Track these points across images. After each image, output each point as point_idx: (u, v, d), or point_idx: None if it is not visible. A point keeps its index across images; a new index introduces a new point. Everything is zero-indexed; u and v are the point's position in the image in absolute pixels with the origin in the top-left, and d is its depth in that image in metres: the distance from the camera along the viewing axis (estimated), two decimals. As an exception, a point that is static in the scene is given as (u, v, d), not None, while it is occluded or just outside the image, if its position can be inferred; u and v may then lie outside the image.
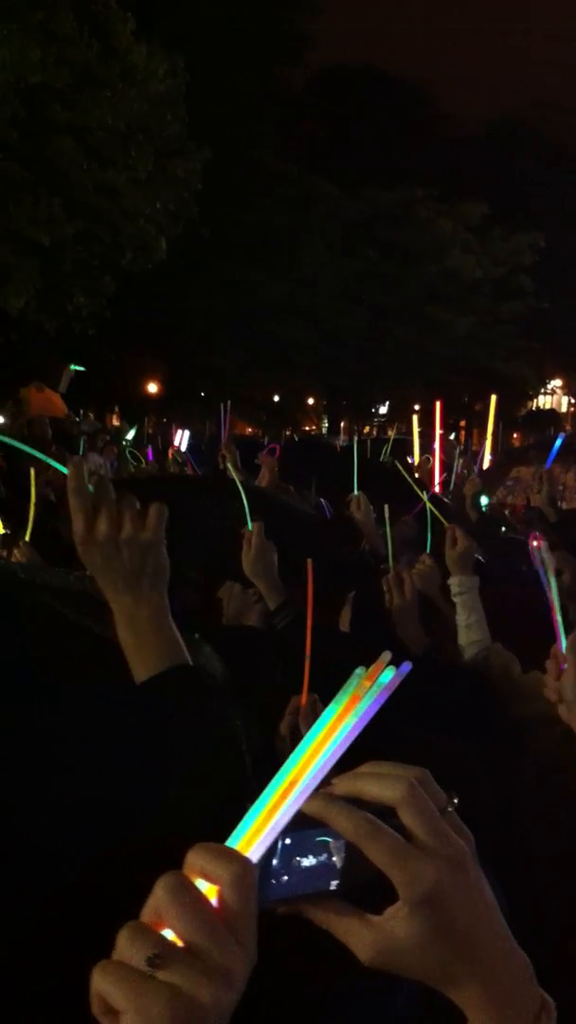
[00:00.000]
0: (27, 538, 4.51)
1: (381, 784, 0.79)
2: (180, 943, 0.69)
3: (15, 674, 1.36)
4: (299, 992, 0.95)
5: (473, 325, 31.89)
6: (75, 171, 17.58)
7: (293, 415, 35.35)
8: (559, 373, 43.20)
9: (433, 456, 8.73)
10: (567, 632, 2.03)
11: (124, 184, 18.41)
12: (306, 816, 0.77)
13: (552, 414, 39.16)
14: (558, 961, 0.95)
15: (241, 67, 26.09)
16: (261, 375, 28.95)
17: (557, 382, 44.80)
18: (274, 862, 0.78)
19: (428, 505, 4.40)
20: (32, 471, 6.11)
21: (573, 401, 46.22)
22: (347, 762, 0.80)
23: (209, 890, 0.71)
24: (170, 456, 10.32)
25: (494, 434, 13.70)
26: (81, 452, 8.78)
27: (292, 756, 0.79)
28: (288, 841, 0.78)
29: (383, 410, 38.51)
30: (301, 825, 0.77)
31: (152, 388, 28.47)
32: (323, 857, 0.78)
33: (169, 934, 0.69)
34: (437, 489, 7.44)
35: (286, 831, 0.77)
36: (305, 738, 0.80)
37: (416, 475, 7.51)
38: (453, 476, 8.19)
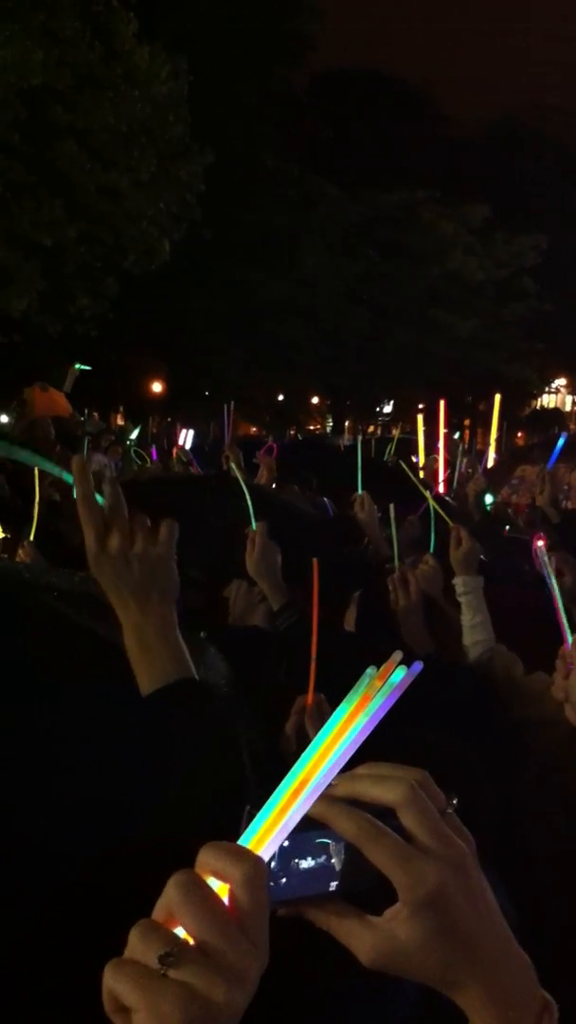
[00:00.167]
0: (31, 538, 4.52)
1: (381, 786, 0.79)
2: (192, 942, 0.69)
3: (15, 674, 1.36)
4: (299, 993, 0.95)
5: (476, 327, 31.86)
6: (77, 173, 17.57)
7: (296, 415, 35.36)
8: (563, 373, 43.14)
9: (437, 455, 8.73)
10: (574, 633, 2.03)
11: (127, 186, 18.40)
12: (305, 818, 0.77)
13: (556, 413, 39.15)
14: (559, 961, 0.95)
15: (242, 68, 26.06)
16: (262, 375, 28.94)
17: (561, 381, 44.74)
18: (273, 864, 0.77)
19: (432, 505, 4.39)
20: (36, 471, 6.12)
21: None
22: (347, 763, 0.79)
23: (220, 889, 0.71)
24: (174, 456, 10.33)
25: (498, 433, 13.69)
26: (85, 452, 8.76)
27: (303, 755, 0.79)
28: (287, 843, 0.77)
29: (387, 409, 38.50)
30: (300, 827, 0.77)
31: (156, 388, 28.49)
32: (322, 859, 0.78)
33: (181, 932, 0.69)
34: (441, 489, 7.43)
35: None
36: (316, 737, 0.80)
37: (421, 475, 7.52)
38: (456, 474, 8.19)
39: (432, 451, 9.90)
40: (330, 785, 0.78)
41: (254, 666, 2.30)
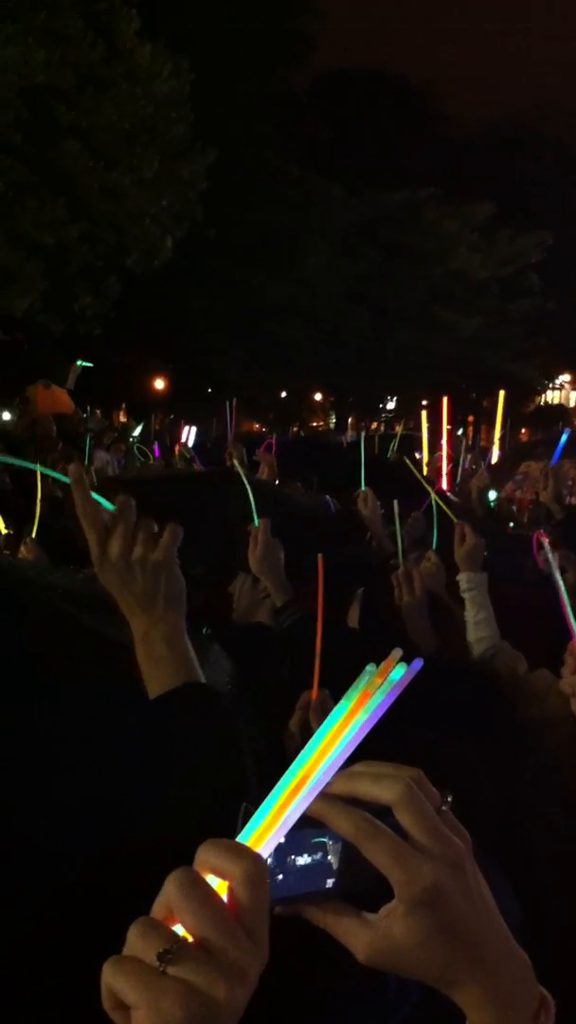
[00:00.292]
0: (33, 536, 4.51)
1: (378, 784, 0.79)
2: (191, 939, 0.69)
3: (15, 673, 1.36)
4: (299, 992, 0.95)
5: (479, 326, 31.81)
6: (80, 172, 17.56)
7: (299, 412, 35.36)
8: (567, 370, 43.12)
9: (440, 451, 8.74)
10: None
11: (129, 185, 18.37)
12: (302, 816, 0.77)
13: (560, 409, 39.11)
14: (559, 961, 0.95)
15: (243, 68, 26.02)
16: (263, 375, 28.90)
17: (565, 377, 44.70)
18: (269, 861, 0.77)
19: (436, 501, 4.39)
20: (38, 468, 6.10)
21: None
22: (346, 761, 0.79)
23: (219, 886, 0.71)
24: (176, 453, 10.34)
25: (502, 430, 13.69)
26: (87, 450, 8.78)
27: (303, 753, 0.79)
28: (283, 840, 0.77)
29: (391, 406, 38.49)
30: (297, 825, 0.77)
31: (159, 385, 28.50)
32: (318, 856, 0.78)
33: (180, 930, 0.69)
34: (444, 485, 7.43)
35: None
36: (315, 735, 0.80)
37: (425, 471, 7.52)
38: (459, 470, 8.19)
39: (436, 448, 9.90)
40: (326, 784, 0.78)
41: (258, 663, 2.30)
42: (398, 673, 0.80)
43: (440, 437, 9.97)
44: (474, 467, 8.47)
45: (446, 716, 1.78)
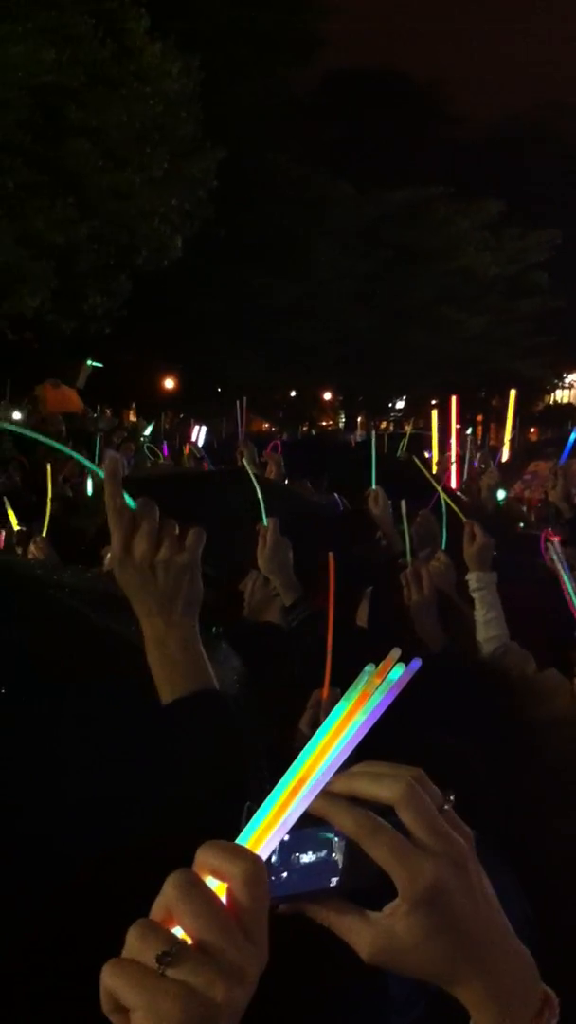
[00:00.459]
0: (43, 534, 4.53)
1: (379, 783, 0.79)
2: (191, 941, 0.68)
3: (16, 673, 1.36)
4: (299, 992, 0.94)
5: (488, 324, 31.75)
6: (89, 171, 17.57)
7: (309, 411, 35.37)
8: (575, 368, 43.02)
9: (449, 451, 8.73)
10: None
11: (139, 184, 18.38)
12: (306, 814, 0.77)
13: (569, 408, 39.00)
14: (561, 962, 0.94)
15: (252, 67, 26.03)
16: (272, 374, 28.90)
17: (574, 376, 44.55)
18: (273, 859, 0.77)
19: (445, 499, 4.38)
20: (48, 466, 6.14)
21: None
22: (346, 761, 0.79)
23: (219, 888, 0.71)
24: (186, 452, 10.36)
25: (514, 430, 13.64)
26: (97, 449, 8.79)
27: (302, 754, 0.79)
28: (287, 838, 0.77)
29: (400, 405, 38.49)
30: (301, 823, 0.77)
31: (168, 384, 28.54)
32: (323, 854, 0.77)
33: (179, 932, 0.69)
34: (453, 483, 7.42)
35: None
36: (314, 736, 0.80)
37: (434, 470, 7.51)
38: (467, 468, 8.18)
39: (445, 448, 9.90)
40: (328, 783, 0.78)
41: (267, 662, 2.30)
42: (396, 673, 0.80)
43: (449, 437, 9.97)
44: (483, 466, 8.45)
45: (447, 716, 1.78)
